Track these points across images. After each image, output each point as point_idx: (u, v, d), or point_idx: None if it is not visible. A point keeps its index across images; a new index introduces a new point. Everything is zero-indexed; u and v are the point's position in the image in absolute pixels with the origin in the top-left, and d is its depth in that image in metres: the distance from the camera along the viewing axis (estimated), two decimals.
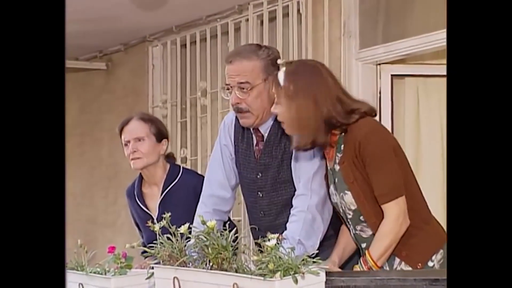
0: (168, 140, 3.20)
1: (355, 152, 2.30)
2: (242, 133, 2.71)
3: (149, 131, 3.11)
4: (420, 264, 2.34)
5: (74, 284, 2.27)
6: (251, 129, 2.66)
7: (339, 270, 2.43)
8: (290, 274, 1.81)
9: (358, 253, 2.51)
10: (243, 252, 2.04)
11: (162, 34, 5.72)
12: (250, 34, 5.00)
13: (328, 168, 2.45)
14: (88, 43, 5.96)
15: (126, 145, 3.12)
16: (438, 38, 3.90)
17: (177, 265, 2.03)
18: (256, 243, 2.19)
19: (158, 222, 2.18)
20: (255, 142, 2.67)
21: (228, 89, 2.60)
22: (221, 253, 1.95)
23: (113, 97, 6.23)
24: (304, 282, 1.83)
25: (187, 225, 2.07)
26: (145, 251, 2.19)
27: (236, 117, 2.68)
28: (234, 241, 1.97)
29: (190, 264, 2.04)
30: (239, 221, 4.79)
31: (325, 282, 1.92)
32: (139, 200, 3.17)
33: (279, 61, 2.44)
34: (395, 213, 2.28)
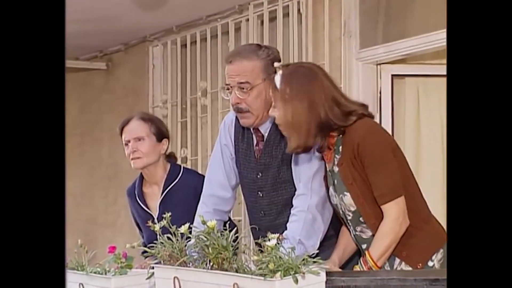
0: (168, 139, 3.20)
1: (353, 153, 2.30)
2: (242, 133, 2.71)
3: (149, 130, 3.11)
4: (420, 264, 2.34)
5: (74, 284, 2.27)
6: (251, 129, 2.66)
7: (340, 270, 2.43)
8: (290, 274, 1.81)
9: (358, 254, 2.51)
10: (244, 252, 2.04)
11: (163, 34, 5.72)
12: (250, 34, 5.00)
13: (327, 169, 2.45)
14: (88, 43, 5.96)
15: (126, 144, 3.12)
16: (438, 38, 3.90)
17: (178, 265, 2.03)
18: (256, 243, 2.19)
19: (158, 221, 2.18)
20: (255, 142, 2.67)
21: (228, 89, 2.60)
22: (221, 253, 1.95)
23: (113, 97, 6.23)
24: (304, 282, 1.83)
25: (187, 225, 2.07)
26: (145, 251, 2.19)
27: (236, 117, 2.68)
28: (234, 241, 1.97)
29: (191, 264, 2.04)
30: (239, 221, 4.79)
31: (326, 282, 1.91)
32: (139, 199, 3.17)
33: (275, 65, 2.43)
34: (394, 214, 2.28)
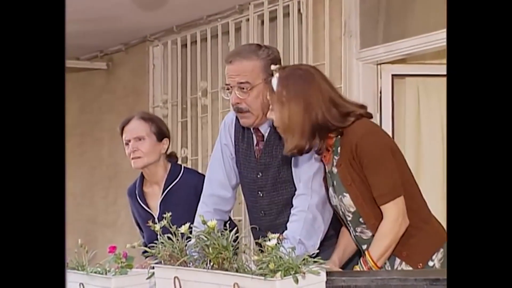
0: (169, 139, 3.20)
1: (352, 154, 2.30)
2: (242, 132, 2.71)
3: (150, 130, 3.12)
4: (421, 264, 2.34)
5: (74, 284, 2.27)
6: (252, 129, 2.66)
7: (340, 270, 2.43)
8: (290, 274, 1.81)
9: (358, 254, 2.50)
10: (244, 252, 2.04)
11: (163, 34, 5.73)
12: (250, 34, 5.00)
13: (327, 171, 2.45)
14: (89, 43, 5.96)
15: (127, 144, 3.12)
16: (439, 38, 3.90)
17: (178, 265, 2.03)
18: (256, 243, 2.19)
19: (159, 221, 2.18)
20: (255, 141, 2.67)
21: (228, 89, 2.60)
22: (221, 253, 1.95)
23: (114, 97, 6.23)
24: (304, 282, 1.83)
25: (187, 225, 2.07)
26: (145, 251, 2.19)
27: (237, 116, 2.68)
28: (234, 240, 1.97)
29: (191, 264, 2.04)
30: (239, 220, 4.79)
31: (326, 282, 1.91)
32: (140, 199, 3.17)
33: (272, 67, 2.43)
34: (394, 214, 2.28)
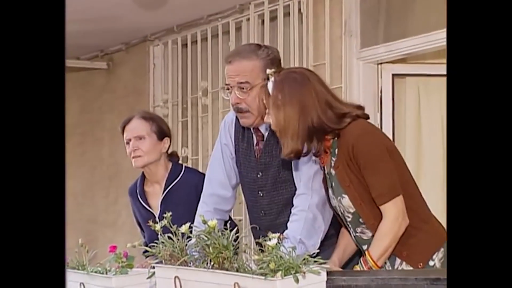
0: (170, 138, 3.20)
1: (349, 155, 2.30)
2: (242, 132, 2.71)
3: (150, 129, 3.12)
4: (421, 264, 2.34)
5: (75, 283, 2.27)
6: (252, 129, 2.66)
7: (340, 269, 2.43)
8: (291, 274, 1.81)
9: (358, 254, 2.50)
10: (244, 252, 2.04)
11: (163, 33, 5.73)
12: (251, 33, 5.00)
13: (326, 172, 2.45)
14: (89, 43, 5.96)
15: (127, 143, 3.13)
16: (439, 38, 3.90)
17: (178, 265, 2.03)
18: (257, 243, 2.19)
19: (160, 220, 2.18)
20: (255, 141, 2.67)
21: (228, 89, 2.60)
22: (222, 253, 1.95)
23: (114, 97, 6.24)
24: (305, 282, 1.83)
25: (188, 224, 2.07)
26: (146, 251, 2.19)
27: (237, 116, 2.68)
28: (235, 240, 1.97)
29: (191, 263, 2.04)
30: (240, 220, 4.79)
31: (326, 282, 1.91)
32: (141, 198, 3.17)
33: (268, 71, 2.43)
34: (393, 213, 2.28)
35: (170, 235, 2.09)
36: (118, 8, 5.02)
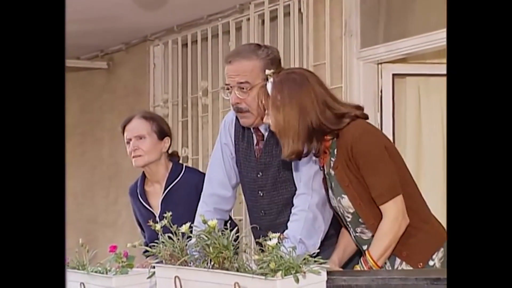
0: (170, 137, 3.20)
1: (348, 156, 2.30)
2: (242, 132, 2.71)
3: (151, 129, 3.12)
4: (421, 264, 2.34)
5: (75, 283, 2.27)
6: (252, 129, 2.66)
7: (340, 269, 2.44)
8: (291, 273, 1.81)
9: (359, 254, 2.50)
10: (244, 251, 2.04)
11: (163, 33, 5.73)
12: (251, 33, 5.00)
13: (325, 173, 2.45)
14: (89, 43, 5.96)
15: (128, 143, 3.13)
16: (439, 38, 3.90)
17: (179, 264, 2.03)
18: (257, 242, 2.19)
19: (160, 220, 2.18)
20: (255, 141, 2.67)
21: (228, 89, 2.60)
22: (222, 252, 1.95)
23: (114, 97, 6.24)
24: (305, 281, 1.83)
25: (188, 224, 2.07)
26: (146, 250, 2.19)
27: (237, 116, 2.68)
28: (235, 240, 1.97)
29: (192, 263, 2.04)
30: (240, 220, 4.79)
31: (327, 281, 1.91)
32: (141, 198, 3.17)
33: (267, 72, 2.43)
34: (393, 213, 2.28)
35: (170, 235, 2.09)
36: (118, 8, 5.02)
